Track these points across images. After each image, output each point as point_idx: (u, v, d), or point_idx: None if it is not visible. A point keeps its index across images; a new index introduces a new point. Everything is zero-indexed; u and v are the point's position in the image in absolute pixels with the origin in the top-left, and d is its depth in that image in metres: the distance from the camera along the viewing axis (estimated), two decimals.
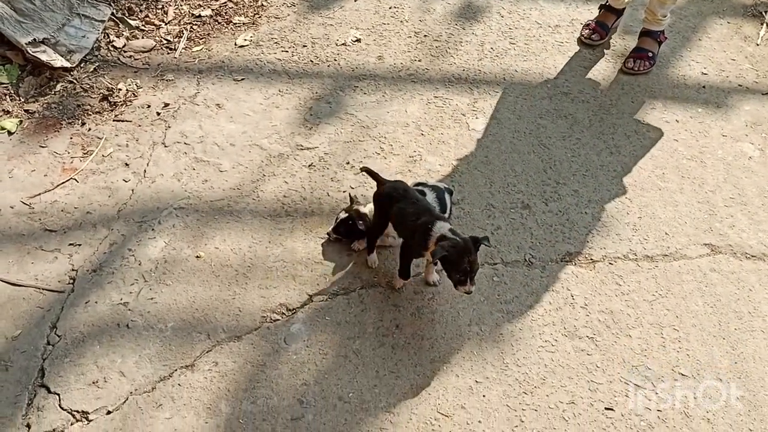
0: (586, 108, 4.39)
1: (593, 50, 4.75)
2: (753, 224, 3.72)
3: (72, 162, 4.05)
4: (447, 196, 3.55)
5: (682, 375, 3.07)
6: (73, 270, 3.45)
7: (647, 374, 3.06)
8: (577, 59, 4.69)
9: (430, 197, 3.45)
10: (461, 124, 4.25)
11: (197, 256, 3.48)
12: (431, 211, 3.13)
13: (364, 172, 3.50)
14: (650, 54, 4.61)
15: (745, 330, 3.24)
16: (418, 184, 3.60)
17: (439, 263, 3.02)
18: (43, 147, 4.10)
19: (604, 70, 4.67)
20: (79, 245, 3.57)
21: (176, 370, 3.01)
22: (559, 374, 3.04)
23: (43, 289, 3.39)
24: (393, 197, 3.22)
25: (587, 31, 4.81)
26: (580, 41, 4.80)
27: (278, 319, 3.20)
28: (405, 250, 3.22)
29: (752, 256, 3.57)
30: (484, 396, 2.96)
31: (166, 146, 4.09)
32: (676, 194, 3.86)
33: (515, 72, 4.58)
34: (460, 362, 3.06)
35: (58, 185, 3.89)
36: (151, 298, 3.28)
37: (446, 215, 3.52)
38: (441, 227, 3.03)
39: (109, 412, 2.87)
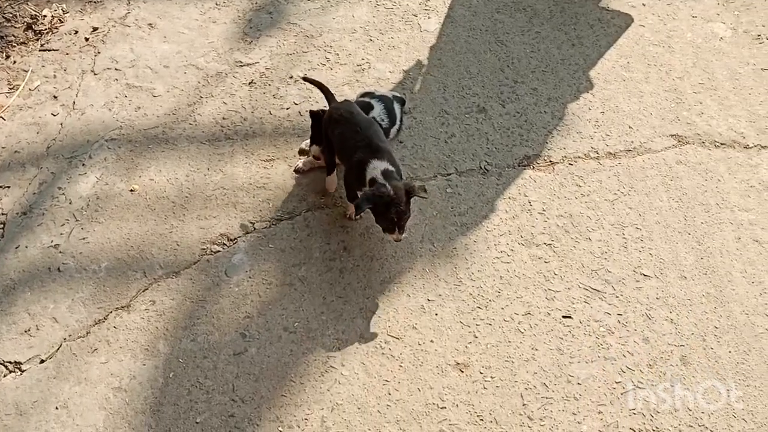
0: None
1: None
2: (723, 109, 3.49)
3: None
4: (397, 106, 3.31)
5: (645, 276, 2.91)
6: (2, 214, 3.25)
7: (607, 278, 2.90)
8: None
9: (378, 109, 3.21)
10: (412, 26, 3.95)
11: (131, 190, 3.26)
12: (370, 145, 2.88)
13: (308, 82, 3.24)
14: None
15: (712, 223, 3.06)
16: (365, 94, 3.36)
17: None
18: None
19: None
20: (8, 187, 3.36)
21: (111, 312, 2.85)
22: (515, 285, 2.88)
23: None
24: (335, 120, 2.97)
25: None
26: None
27: (219, 251, 3.02)
28: (346, 178, 3.01)
29: (721, 144, 3.35)
30: (436, 314, 2.80)
31: (95, 74, 3.80)
32: (642, 84, 3.60)
33: None
34: (412, 281, 2.89)
35: None
36: (83, 238, 3.09)
37: (396, 126, 3.29)
38: (375, 168, 2.82)
39: (42, 361, 2.73)
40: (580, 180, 3.22)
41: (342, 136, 2.91)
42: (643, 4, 4.01)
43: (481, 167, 3.28)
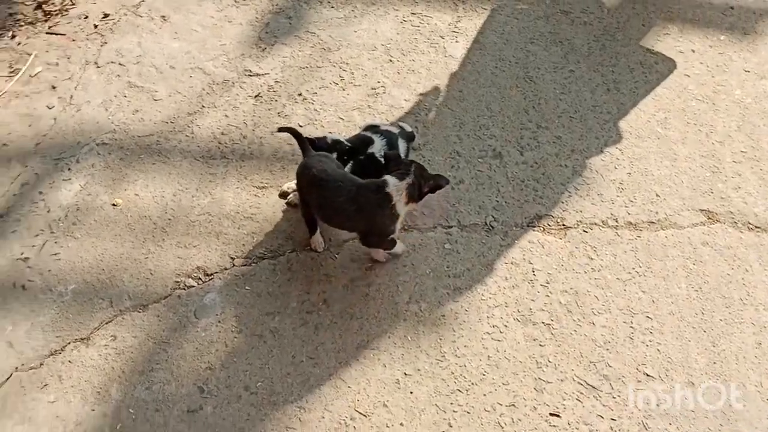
0: (587, 32, 3.73)
1: None
2: (764, 186, 3.15)
3: None
4: (402, 143, 3.03)
5: (648, 376, 2.62)
6: None
7: (606, 372, 2.62)
8: None
9: (378, 145, 2.95)
10: (437, 49, 3.66)
11: (114, 204, 3.07)
12: (354, 180, 2.64)
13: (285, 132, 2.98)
14: None
15: (731, 321, 2.75)
16: (369, 127, 3.08)
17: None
18: None
19: None
20: None
21: (69, 343, 2.68)
22: (502, 369, 2.62)
23: None
24: (309, 182, 2.72)
25: None
26: None
27: (193, 286, 2.81)
28: (371, 238, 2.74)
29: (756, 227, 3.02)
30: (411, 393, 2.56)
31: (98, 66, 3.60)
32: (677, 145, 3.27)
33: None
34: (390, 349, 2.65)
35: None
36: (55, 254, 2.91)
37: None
38: (388, 179, 2.64)
39: None
40: (593, 251, 2.92)
41: (326, 199, 2.64)
42: (693, 50, 3.65)
43: (486, 223, 3.00)
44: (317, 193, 2.63)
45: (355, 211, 2.62)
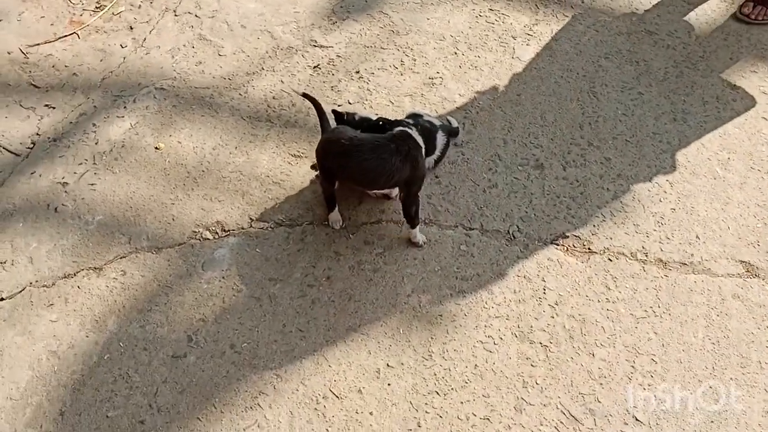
0: (668, 56, 3.55)
1: None
2: None
3: (81, 15, 3.80)
4: (441, 136, 2.98)
5: (637, 420, 2.50)
6: (37, 134, 3.27)
7: (594, 407, 2.52)
8: None
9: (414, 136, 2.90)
10: (506, 49, 3.57)
11: (156, 147, 3.19)
12: (384, 136, 2.74)
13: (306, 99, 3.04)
14: None
15: (742, 383, 2.58)
16: (411, 115, 3.05)
17: None
18: None
19: (711, 11, 3.74)
20: (54, 108, 3.38)
21: (83, 270, 2.81)
22: (486, 380, 2.56)
23: (3, 148, 3.22)
24: (336, 153, 2.74)
25: None
26: None
27: (208, 239, 2.89)
28: (414, 188, 2.80)
29: None
30: (389, 384, 2.55)
31: (176, 15, 3.73)
32: (733, 189, 3.07)
33: None
34: (380, 338, 2.64)
35: (59, 38, 3.67)
36: (92, 184, 3.06)
37: (434, 157, 3.01)
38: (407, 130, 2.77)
39: (2, 299, 2.73)
40: (613, 282, 2.80)
41: (365, 162, 2.64)
42: None
43: (509, 232, 2.93)
44: (355, 161, 2.64)
45: (401, 162, 2.66)
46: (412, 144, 2.72)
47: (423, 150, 2.78)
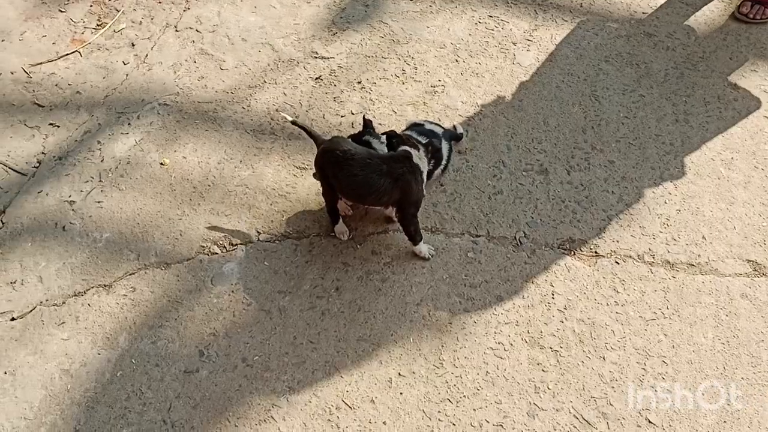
0: (668, 58, 3.56)
1: None
2: None
3: (83, 33, 3.82)
4: (444, 143, 3.00)
5: (650, 422, 2.51)
6: (42, 153, 3.28)
7: (606, 411, 2.53)
8: None
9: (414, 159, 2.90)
10: (506, 56, 3.59)
11: (161, 163, 3.20)
12: (380, 155, 2.73)
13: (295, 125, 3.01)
14: None
15: (754, 383, 2.59)
16: (415, 124, 3.07)
17: None
18: (62, 11, 3.88)
19: (709, 12, 3.76)
20: (58, 126, 3.40)
21: (93, 287, 2.82)
22: (498, 387, 2.57)
23: (9, 168, 3.24)
24: (333, 162, 2.72)
25: None
26: None
27: (216, 253, 2.90)
28: (408, 209, 2.76)
29: None
30: (401, 394, 2.56)
31: (177, 30, 3.75)
32: (738, 189, 3.08)
33: None
34: (390, 348, 2.65)
35: (61, 56, 3.68)
36: (99, 202, 3.07)
37: (441, 166, 3.01)
38: (409, 150, 2.74)
39: (13, 319, 2.74)
40: (621, 285, 2.81)
41: (356, 177, 2.65)
42: None
43: (515, 238, 2.94)
44: (345, 173, 2.63)
45: (390, 185, 2.63)
46: (407, 167, 2.67)
47: (423, 173, 2.74)
